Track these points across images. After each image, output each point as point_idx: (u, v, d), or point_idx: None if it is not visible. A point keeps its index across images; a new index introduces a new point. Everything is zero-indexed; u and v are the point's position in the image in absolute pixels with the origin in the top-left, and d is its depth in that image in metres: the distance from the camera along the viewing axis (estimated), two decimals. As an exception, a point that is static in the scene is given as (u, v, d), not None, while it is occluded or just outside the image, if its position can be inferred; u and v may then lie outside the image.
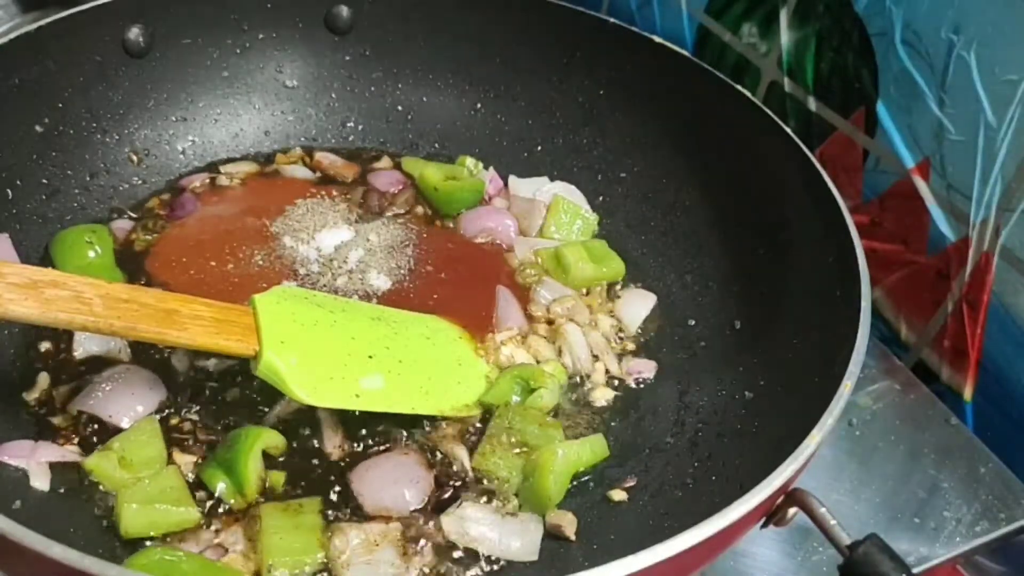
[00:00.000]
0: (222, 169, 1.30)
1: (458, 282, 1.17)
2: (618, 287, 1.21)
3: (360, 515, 0.92)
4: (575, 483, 0.97)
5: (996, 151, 1.03)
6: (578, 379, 1.09)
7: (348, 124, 1.39)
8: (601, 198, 1.31)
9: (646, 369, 1.11)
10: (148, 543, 0.87)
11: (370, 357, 0.99)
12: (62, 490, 0.90)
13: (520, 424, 0.98)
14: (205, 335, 0.87)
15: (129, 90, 1.25)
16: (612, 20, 1.28)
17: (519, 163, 1.35)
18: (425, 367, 1.02)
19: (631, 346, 1.14)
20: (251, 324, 0.92)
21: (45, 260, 1.11)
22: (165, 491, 0.89)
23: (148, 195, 1.25)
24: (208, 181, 1.28)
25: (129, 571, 0.75)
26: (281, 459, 0.96)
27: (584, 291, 1.19)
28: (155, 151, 1.28)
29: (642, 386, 1.09)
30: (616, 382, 1.10)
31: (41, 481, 0.89)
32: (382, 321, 1.05)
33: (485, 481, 0.96)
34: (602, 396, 1.07)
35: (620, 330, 1.16)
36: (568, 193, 1.30)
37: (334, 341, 0.98)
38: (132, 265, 1.14)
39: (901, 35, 1.10)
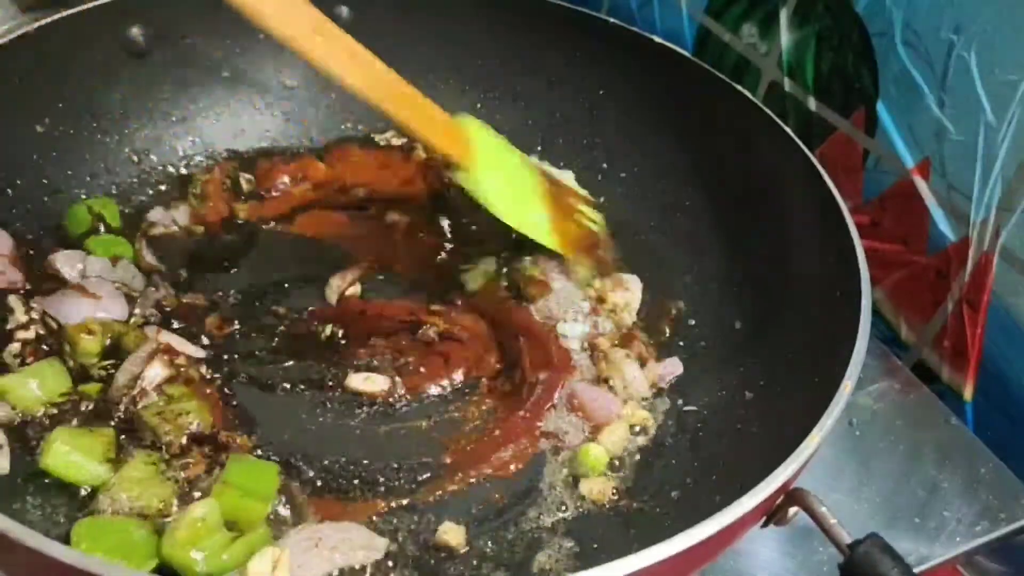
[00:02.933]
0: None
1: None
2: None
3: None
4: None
5: (996, 151, 1.03)
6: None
7: (348, 124, 1.39)
8: (601, 198, 1.31)
9: (673, 367, 1.10)
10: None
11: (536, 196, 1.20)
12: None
13: None
14: (438, 131, 1.10)
15: (129, 90, 1.25)
16: (612, 20, 1.28)
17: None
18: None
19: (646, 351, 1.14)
20: (466, 139, 1.13)
21: (44, 259, 1.11)
22: (95, 448, 0.90)
23: (148, 195, 1.25)
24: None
25: (130, 571, 0.75)
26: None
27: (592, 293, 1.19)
28: (155, 151, 1.28)
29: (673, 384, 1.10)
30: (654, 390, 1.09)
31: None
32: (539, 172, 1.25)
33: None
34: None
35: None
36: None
37: (518, 175, 1.21)
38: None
39: (901, 35, 1.10)
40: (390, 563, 0.88)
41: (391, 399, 1.04)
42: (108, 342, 1.01)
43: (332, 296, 1.14)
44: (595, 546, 0.91)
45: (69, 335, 1.00)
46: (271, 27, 0.94)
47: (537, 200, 1.20)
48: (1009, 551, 1.05)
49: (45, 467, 0.88)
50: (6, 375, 0.96)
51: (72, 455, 0.88)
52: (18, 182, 1.13)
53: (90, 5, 1.16)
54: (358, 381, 1.04)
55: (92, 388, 0.97)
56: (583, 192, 1.30)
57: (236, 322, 1.10)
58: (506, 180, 1.18)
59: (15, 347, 1.00)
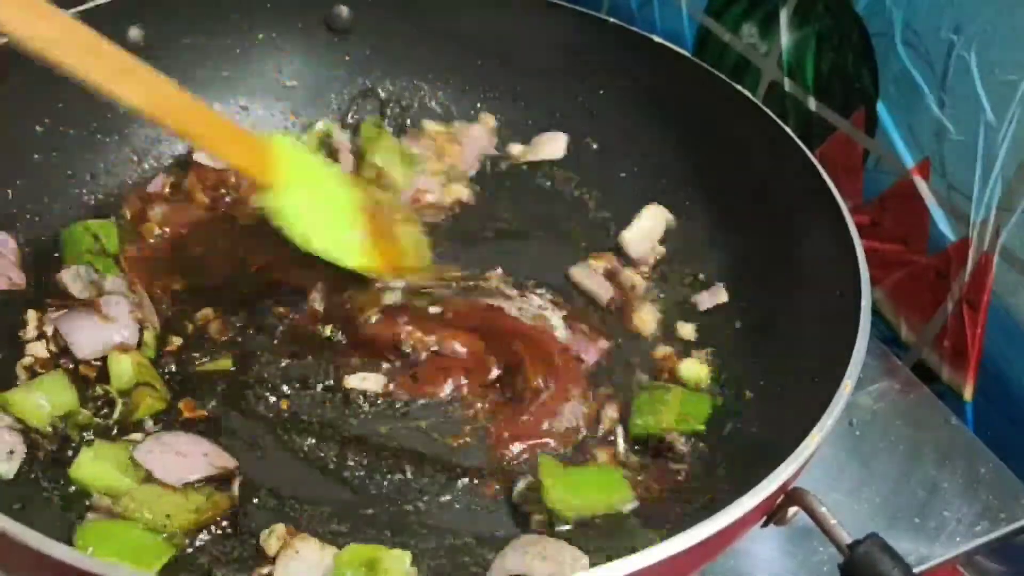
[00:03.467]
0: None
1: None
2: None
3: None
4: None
5: (996, 151, 1.03)
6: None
7: (347, 124, 1.39)
8: (602, 197, 1.31)
9: (717, 294, 1.16)
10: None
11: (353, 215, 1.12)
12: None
13: None
14: (235, 149, 1.01)
15: (129, 90, 1.25)
16: (612, 20, 1.28)
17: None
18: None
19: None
20: (272, 157, 1.04)
21: (45, 260, 1.11)
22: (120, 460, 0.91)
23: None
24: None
25: (132, 570, 0.75)
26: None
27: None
28: (155, 151, 1.28)
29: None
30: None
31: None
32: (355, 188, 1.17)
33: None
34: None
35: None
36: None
37: (331, 195, 1.12)
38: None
39: (901, 35, 1.10)
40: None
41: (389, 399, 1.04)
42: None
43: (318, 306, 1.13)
44: (592, 548, 0.91)
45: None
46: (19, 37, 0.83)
47: (348, 220, 1.12)
48: (1009, 551, 1.05)
49: (75, 477, 0.89)
50: (13, 389, 0.96)
51: (101, 465, 0.90)
52: (18, 182, 1.13)
53: (90, 5, 1.16)
54: (356, 381, 1.05)
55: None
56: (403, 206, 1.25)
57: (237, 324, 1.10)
58: (312, 200, 1.10)
59: (27, 360, 1.01)
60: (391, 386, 1.05)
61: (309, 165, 1.14)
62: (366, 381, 1.04)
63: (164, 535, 0.86)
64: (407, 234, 1.19)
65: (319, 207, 1.10)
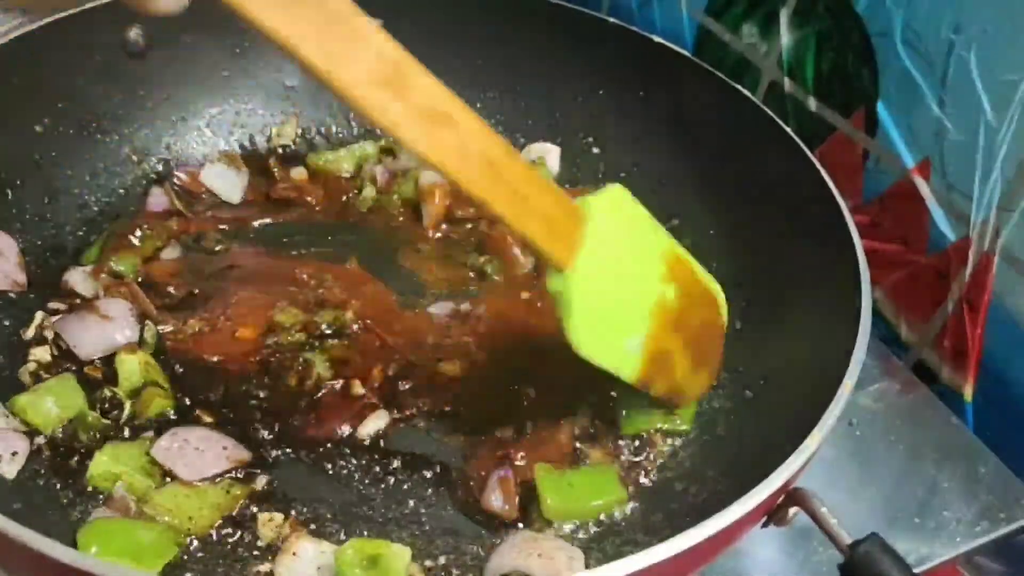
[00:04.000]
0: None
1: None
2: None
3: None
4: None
5: (996, 151, 1.03)
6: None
7: (347, 124, 1.39)
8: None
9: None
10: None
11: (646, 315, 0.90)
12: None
13: None
14: (539, 230, 0.79)
15: (129, 90, 1.25)
16: (612, 20, 1.28)
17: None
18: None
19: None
20: (578, 234, 0.83)
21: (46, 261, 1.11)
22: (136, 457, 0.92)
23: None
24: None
25: (132, 570, 0.76)
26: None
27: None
28: (155, 151, 1.28)
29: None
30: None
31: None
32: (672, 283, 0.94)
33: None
34: None
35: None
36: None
37: (631, 285, 0.90)
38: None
39: (901, 35, 1.10)
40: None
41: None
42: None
43: None
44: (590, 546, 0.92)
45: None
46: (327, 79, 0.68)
47: (641, 317, 0.90)
48: (1009, 551, 1.05)
49: (94, 475, 0.90)
50: (23, 393, 0.96)
51: (119, 465, 0.90)
52: (18, 183, 1.12)
53: (90, 5, 1.16)
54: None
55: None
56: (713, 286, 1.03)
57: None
58: (607, 288, 0.87)
59: (31, 366, 1.01)
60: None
61: (621, 235, 0.90)
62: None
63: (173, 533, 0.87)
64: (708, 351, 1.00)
65: (611, 299, 0.88)
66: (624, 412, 1.02)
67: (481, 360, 1.09)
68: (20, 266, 1.08)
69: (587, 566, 0.85)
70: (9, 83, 1.10)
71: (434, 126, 0.73)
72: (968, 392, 1.13)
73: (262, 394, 1.02)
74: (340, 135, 1.39)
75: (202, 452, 0.93)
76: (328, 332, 1.09)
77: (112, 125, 1.24)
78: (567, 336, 0.84)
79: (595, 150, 1.33)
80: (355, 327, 1.10)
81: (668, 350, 0.93)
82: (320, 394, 1.03)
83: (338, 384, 1.04)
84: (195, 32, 1.28)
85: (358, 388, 1.03)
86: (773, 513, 0.79)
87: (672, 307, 0.92)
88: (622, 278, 0.89)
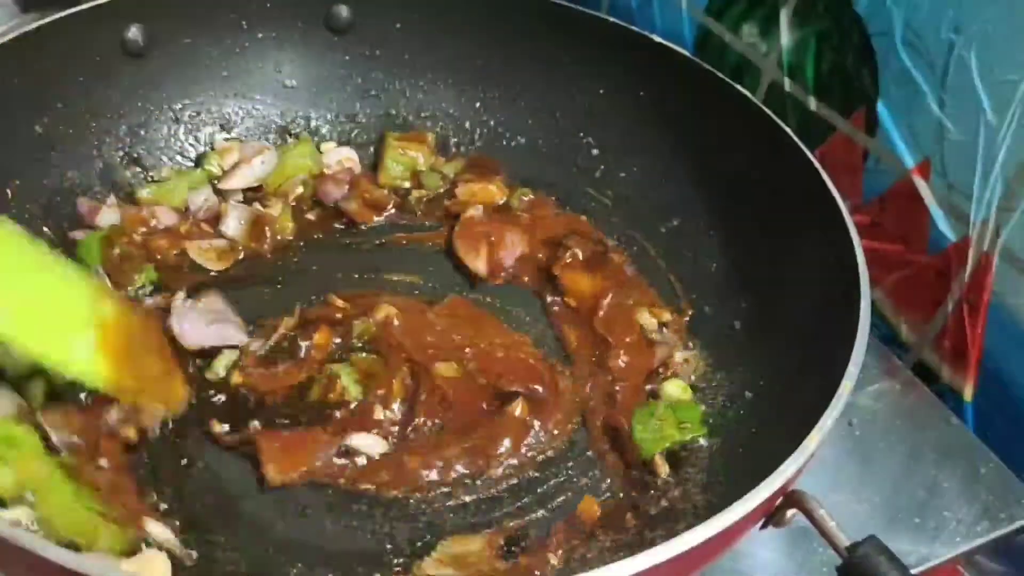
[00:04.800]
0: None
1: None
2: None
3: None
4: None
5: (996, 151, 1.03)
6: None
7: (348, 124, 1.39)
8: (604, 197, 1.32)
9: None
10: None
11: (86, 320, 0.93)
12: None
13: None
14: None
15: (129, 90, 1.25)
16: (612, 20, 1.28)
17: (518, 162, 1.35)
18: None
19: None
20: None
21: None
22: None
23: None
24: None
25: (127, 571, 0.75)
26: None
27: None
28: (155, 151, 1.28)
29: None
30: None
31: None
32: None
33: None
34: None
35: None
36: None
37: (53, 291, 0.93)
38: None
39: (901, 35, 1.10)
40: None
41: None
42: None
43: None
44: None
45: None
46: None
47: (77, 322, 0.93)
48: (1009, 551, 1.05)
49: None
50: None
51: None
52: (18, 183, 1.13)
53: (89, 5, 1.16)
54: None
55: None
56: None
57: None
58: (31, 298, 0.91)
59: None
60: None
61: (24, 256, 0.93)
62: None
63: None
64: (160, 365, 1.01)
65: (39, 305, 0.91)
66: (638, 432, 1.01)
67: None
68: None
69: (585, 567, 0.85)
70: (9, 83, 1.10)
71: None
72: (968, 392, 1.13)
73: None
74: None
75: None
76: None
77: (112, 125, 1.24)
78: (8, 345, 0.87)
79: (595, 151, 1.33)
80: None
81: (123, 347, 0.94)
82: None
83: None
84: (194, 31, 1.28)
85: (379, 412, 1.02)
86: (771, 515, 0.79)
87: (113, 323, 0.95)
88: (42, 289, 0.92)
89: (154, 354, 0.99)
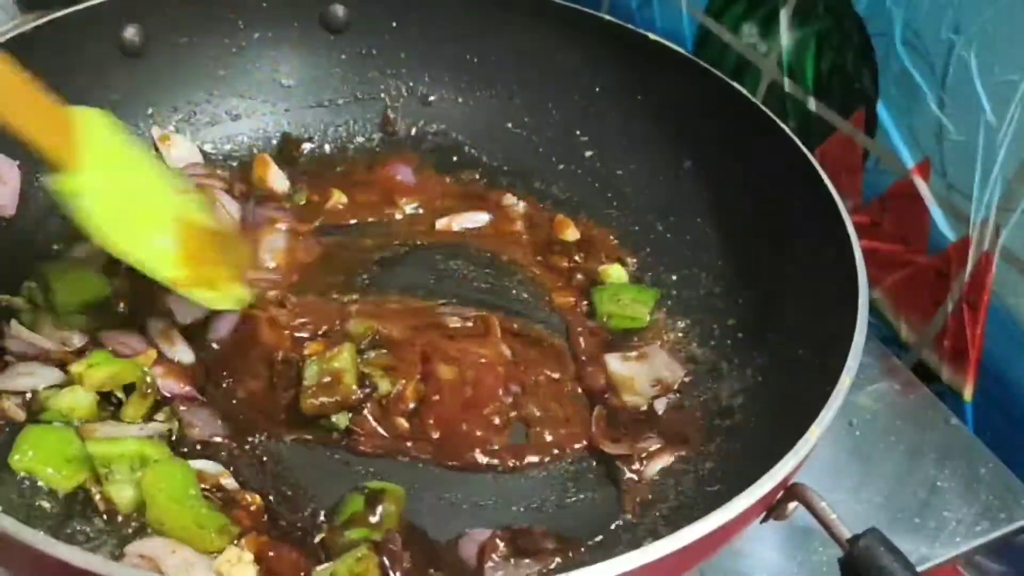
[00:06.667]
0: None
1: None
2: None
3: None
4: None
5: (996, 151, 1.03)
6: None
7: (348, 124, 1.39)
8: (606, 199, 1.31)
9: None
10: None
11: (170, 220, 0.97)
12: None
13: None
14: (24, 111, 0.84)
15: (126, 90, 1.25)
16: (612, 19, 1.28)
17: (517, 162, 1.35)
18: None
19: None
20: (75, 131, 0.88)
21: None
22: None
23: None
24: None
25: (131, 570, 0.75)
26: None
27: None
28: (153, 151, 1.28)
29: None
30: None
31: None
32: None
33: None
34: None
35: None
36: None
37: (147, 189, 0.99)
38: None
39: (901, 35, 1.10)
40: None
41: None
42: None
43: None
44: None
45: None
46: None
47: (162, 224, 0.97)
48: (1009, 551, 1.04)
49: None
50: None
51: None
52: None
53: (86, 5, 1.16)
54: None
55: None
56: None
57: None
58: (122, 191, 0.94)
59: None
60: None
61: (124, 148, 0.97)
62: None
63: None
64: (230, 258, 1.06)
65: (129, 199, 0.95)
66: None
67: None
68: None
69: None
70: (8, 82, 1.10)
71: None
72: (968, 392, 1.13)
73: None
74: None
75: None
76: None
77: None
78: (93, 234, 0.88)
79: (594, 150, 1.33)
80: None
81: (199, 250, 0.98)
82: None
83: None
84: (192, 31, 1.28)
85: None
86: (772, 508, 0.79)
87: (191, 221, 1.00)
88: (135, 184, 0.97)
89: (227, 256, 1.04)
